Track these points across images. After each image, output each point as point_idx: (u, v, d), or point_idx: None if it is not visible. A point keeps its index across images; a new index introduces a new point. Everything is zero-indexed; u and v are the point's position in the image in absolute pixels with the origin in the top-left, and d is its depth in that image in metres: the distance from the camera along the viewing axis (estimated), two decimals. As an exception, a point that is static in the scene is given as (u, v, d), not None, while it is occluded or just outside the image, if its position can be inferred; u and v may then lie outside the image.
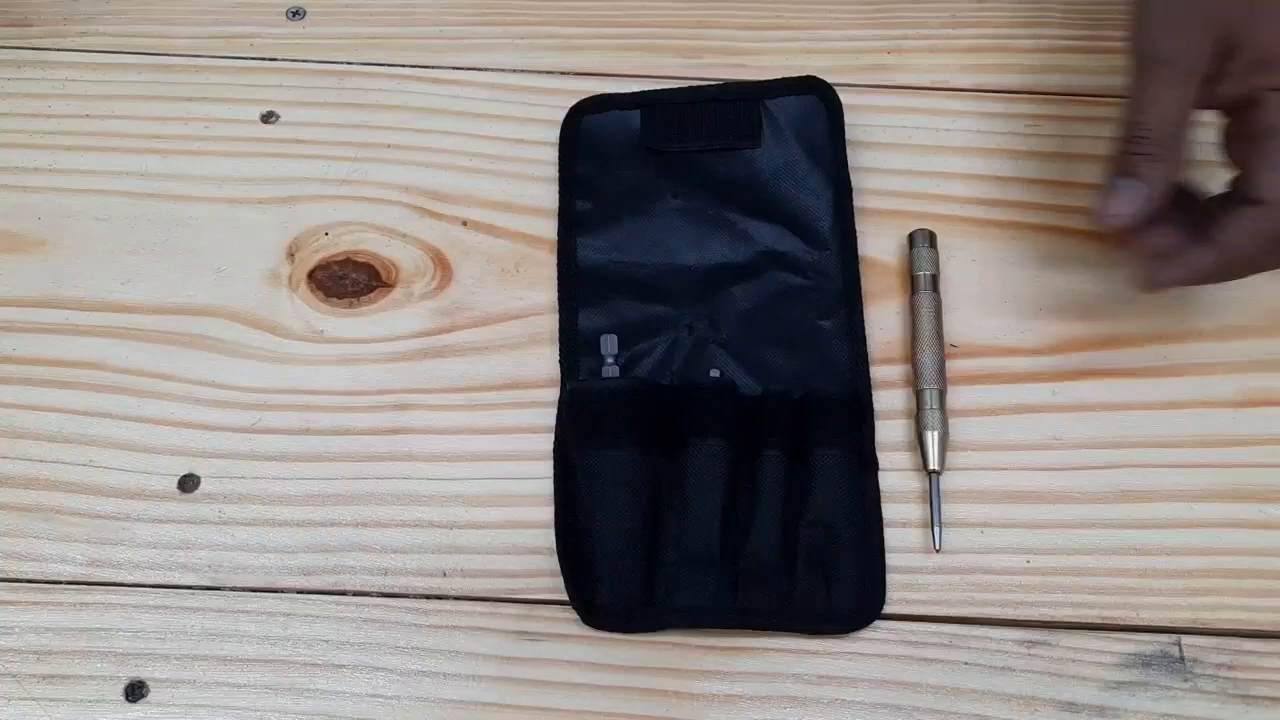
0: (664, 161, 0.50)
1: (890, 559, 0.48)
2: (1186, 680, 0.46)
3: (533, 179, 0.55)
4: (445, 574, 0.48)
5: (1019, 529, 0.49)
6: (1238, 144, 0.45)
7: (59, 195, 0.55)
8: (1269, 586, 0.48)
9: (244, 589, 0.47)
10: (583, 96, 0.56)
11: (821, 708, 0.46)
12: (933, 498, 0.48)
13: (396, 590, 0.47)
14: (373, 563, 0.48)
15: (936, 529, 0.48)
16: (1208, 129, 0.47)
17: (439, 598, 0.47)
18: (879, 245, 0.54)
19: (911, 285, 0.52)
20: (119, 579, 0.47)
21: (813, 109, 0.56)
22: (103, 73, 0.58)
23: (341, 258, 0.54)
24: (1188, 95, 0.44)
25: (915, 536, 0.48)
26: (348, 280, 0.54)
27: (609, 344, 0.50)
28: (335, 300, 0.53)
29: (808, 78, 0.57)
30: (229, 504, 0.49)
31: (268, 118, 0.57)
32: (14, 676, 0.46)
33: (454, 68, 0.58)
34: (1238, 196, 0.44)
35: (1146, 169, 0.44)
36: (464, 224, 0.55)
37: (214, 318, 0.52)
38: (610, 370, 0.50)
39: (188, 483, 0.49)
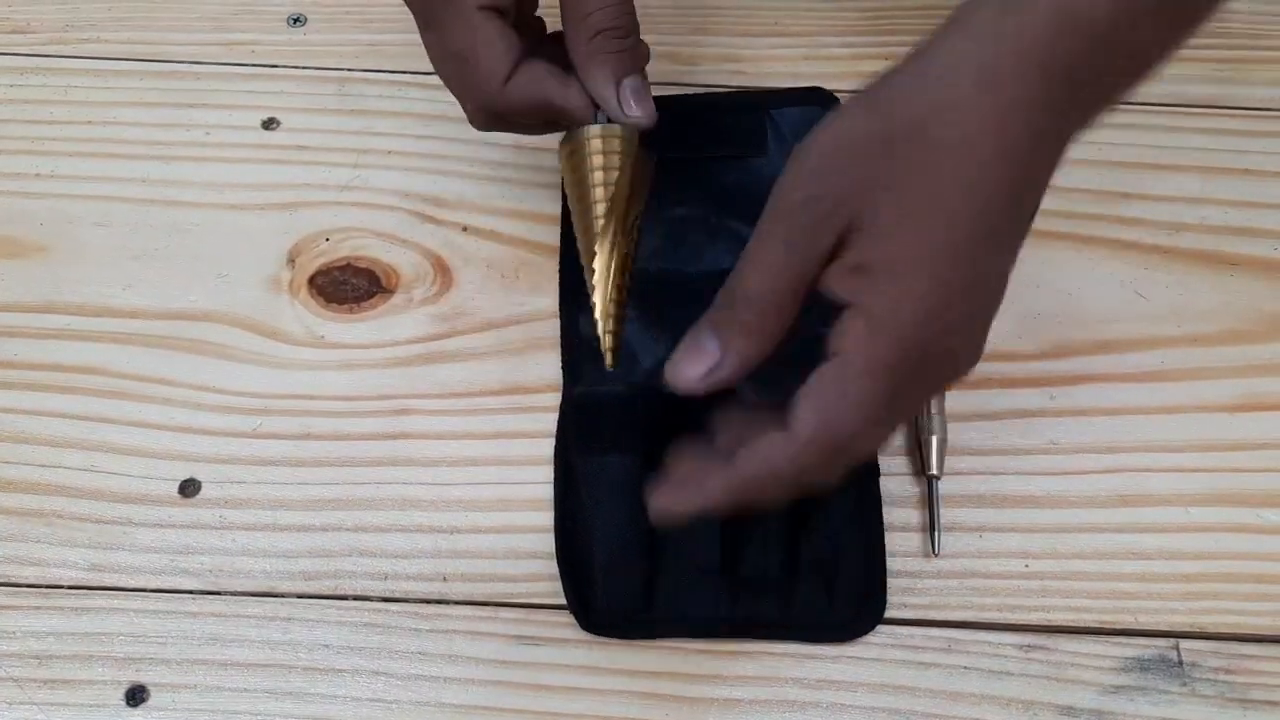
0: (667, 168, 0.50)
1: (889, 563, 0.48)
2: (1184, 684, 0.46)
3: (533, 185, 0.55)
4: (445, 578, 0.48)
5: (1017, 533, 0.49)
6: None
7: (60, 201, 0.55)
8: (1266, 590, 0.48)
9: (244, 593, 0.47)
10: (582, 103, 0.56)
11: (820, 711, 0.46)
12: (931, 502, 0.48)
13: (396, 595, 0.48)
14: (373, 567, 0.48)
15: (935, 533, 0.48)
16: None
17: (439, 602, 0.47)
18: (877, 251, 0.54)
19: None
20: (120, 583, 0.48)
21: (817, 120, 0.56)
22: (104, 79, 0.59)
23: (342, 263, 0.54)
24: (802, 274, 0.38)
25: (914, 541, 0.49)
26: (348, 286, 0.54)
27: None
28: (336, 306, 0.53)
29: (814, 89, 0.57)
30: (230, 509, 0.49)
31: (269, 124, 0.57)
32: (15, 681, 0.46)
33: (454, 74, 0.58)
34: (773, 417, 0.38)
35: (730, 337, 0.38)
36: (464, 229, 0.55)
37: (215, 323, 0.53)
38: None
39: (189, 487, 0.49)
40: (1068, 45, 0.36)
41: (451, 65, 0.44)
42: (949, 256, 0.36)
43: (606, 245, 0.44)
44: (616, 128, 0.44)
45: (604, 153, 0.43)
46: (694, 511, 0.39)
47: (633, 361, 0.51)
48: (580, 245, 0.45)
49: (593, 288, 0.44)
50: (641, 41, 0.46)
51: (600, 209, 0.44)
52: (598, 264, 0.44)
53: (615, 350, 0.45)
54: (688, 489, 0.39)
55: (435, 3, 0.43)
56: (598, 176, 0.43)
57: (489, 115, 0.45)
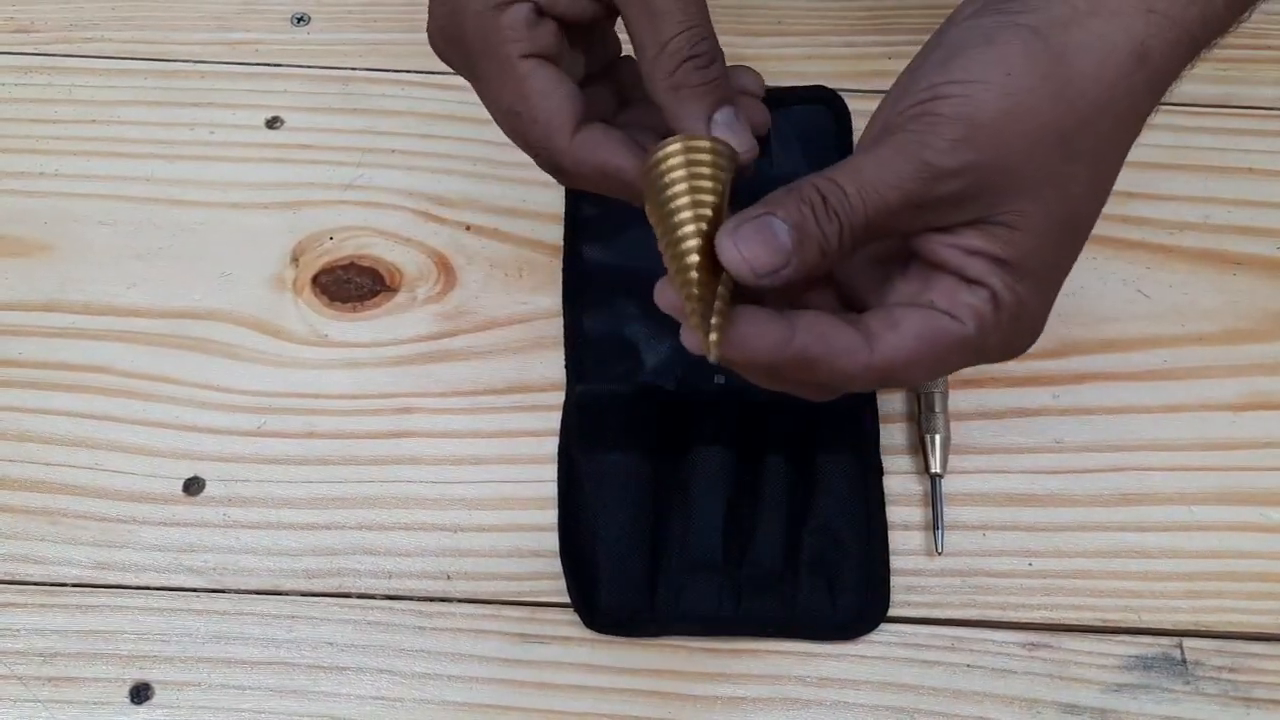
0: None
1: (892, 562, 0.48)
2: (1188, 683, 0.46)
3: (536, 184, 0.55)
4: (449, 577, 0.48)
5: (1020, 532, 0.49)
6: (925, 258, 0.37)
7: (64, 200, 0.56)
8: (1270, 589, 0.48)
9: (248, 591, 0.48)
10: (586, 102, 0.56)
11: (824, 710, 0.46)
12: (935, 501, 0.49)
13: (400, 593, 0.48)
14: (376, 565, 0.48)
15: (938, 532, 0.48)
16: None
17: (442, 600, 0.48)
18: (881, 250, 0.54)
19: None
20: (124, 581, 0.48)
21: (821, 119, 0.56)
22: (108, 78, 0.59)
23: (345, 262, 0.54)
24: (908, 228, 0.36)
25: (917, 539, 0.49)
26: (352, 284, 0.54)
27: None
28: (339, 304, 0.53)
29: (816, 87, 0.57)
30: (234, 507, 0.49)
31: (272, 123, 0.58)
32: (19, 679, 0.46)
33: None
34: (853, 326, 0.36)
35: (808, 240, 0.34)
36: (467, 228, 0.55)
37: (219, 322, 0.53)
38: None
39: (193, 486, 0.49)
40: (1202, 10, 0.35)
41: (509, 123, 0.39)
42: (1074, 256, 0.37)
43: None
44: (704, 141, 0.37)
45: (689, 165, 0.36)
46: (733, 357, 0.35)
47: (636, 360, 0.51)
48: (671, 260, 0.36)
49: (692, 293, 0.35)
50: (750, 70, 0.42)
51: (689, 220, 0.35)
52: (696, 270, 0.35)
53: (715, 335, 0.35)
54: (742, 339, 0.35)
55: (477, 57, 0.39)
56: (681, 188, 0.36)
57: (559, 175, 0.41)
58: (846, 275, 0.39)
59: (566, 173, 0.40)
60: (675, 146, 0.36)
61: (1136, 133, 0.37)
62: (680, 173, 0.36)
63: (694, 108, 0.37)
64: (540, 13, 0.38)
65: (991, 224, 0.35)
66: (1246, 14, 0.38)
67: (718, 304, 0.35)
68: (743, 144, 0.38)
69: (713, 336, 0.34)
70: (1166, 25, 0.35)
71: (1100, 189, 0.37)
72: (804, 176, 0.36)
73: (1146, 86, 0.36)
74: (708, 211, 0.36)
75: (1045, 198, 0.35)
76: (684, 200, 0.36)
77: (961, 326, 0.36)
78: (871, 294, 0.38)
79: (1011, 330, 0.37)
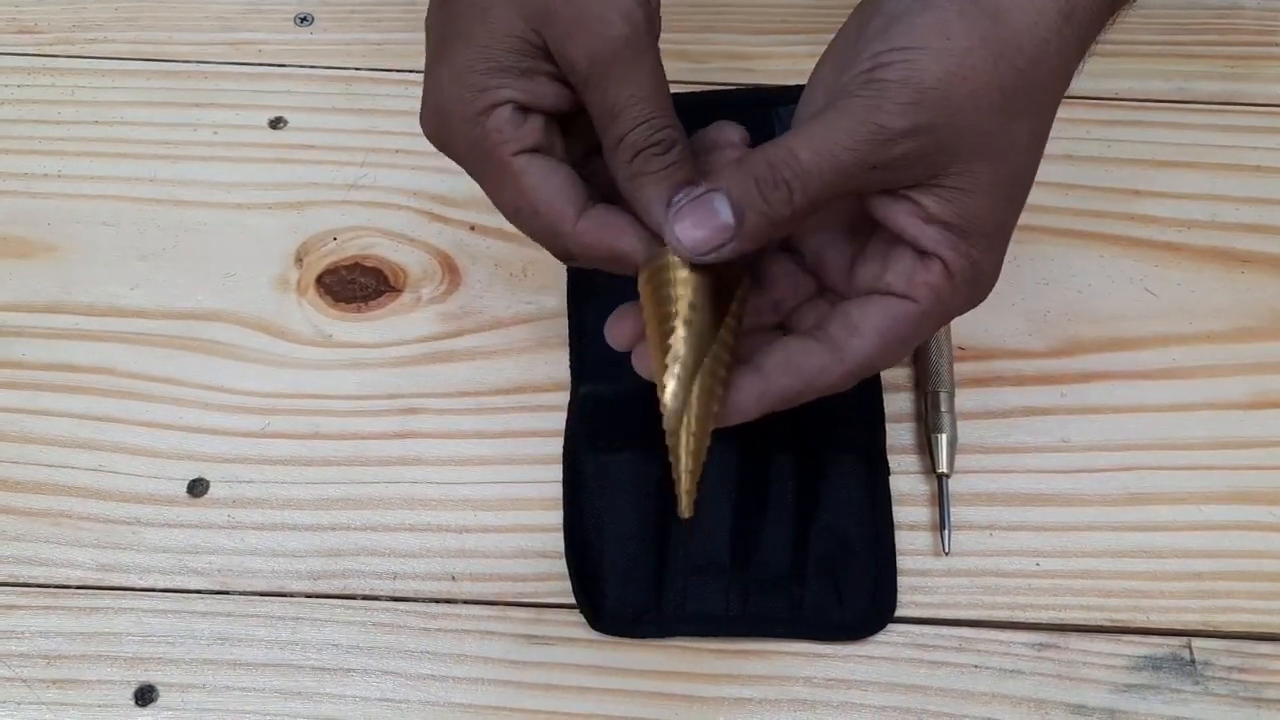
0: None
1: (900, 562, 0.48)
2: (1197, 683, 0.46)
3: (540, 183, 0.55)
4: (454, 578, 0.48)
5: (1028, 531, 0.49)
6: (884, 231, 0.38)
7: (68, 201, 0.55)
8: (1280, 589, 0.48)
9: (253, 593, 0.47)
10: (590, 101, 0.56)
11: (831, 711, 0.45)
12: (942, 500, 0.48)
13: (405, 594, 0.47)
14: (381, 567, 0.48)
15: (946, 532, 0.48)
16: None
17: (448, 601, 0.47)
18: (886, 248, 0.54)
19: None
20: (128, 583, 0.47)
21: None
22: (111, 79, 0.59)
23: (349, 262, 0.54)
24: (859, 189, 0.37)
25: (924, 539, 0.48)
26: (356, 285, 0.54)
27: None
28: (343, 305, 0.53)
29: None
30: (238, 508, 0.49)
31: (276, 123, 0.57)
32: (23, 681, 0.46)
33: (461, 73, 0.58)
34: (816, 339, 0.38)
35: (751, 211, 0.36)
36: (471, 228, 0.55)
37: (222, 322, 0.53)
38: None
39: (197, 487, 0.49)
40: None
41: (513, 218, 0.40)
42: (1019, 211, 0.39)
43: (684, 386, 0.37)
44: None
45: (677, 281, 0.37)
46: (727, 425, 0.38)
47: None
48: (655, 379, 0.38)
49: (671, 435, 0.37)
50: (729, 123, 0.43)
51: (679, 343, 0.37)
52: (670, 408, 0.37)
53: (693, 496, 0.38)
54: (726, 416, 0.38)
55: (470, 162, 0.40)
56: (673, 307, 0.37)
57: (572, 260, 0.41)
58: (813, 251, 0.41)
59: (577, 258, 0.40)
60: (642, 276, 0.38)
61: (1066, 87, 0.38)
62: (649, 303, 0.38)
63: (652, 193, 0.38)
64: (524, 109, 0.39)
65: (943, 187, 0.37)
66: None
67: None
68: (699, 231, 0.37)
69: (685, 502, 0.38)
70: None
71: (1038, 144, 0.38)
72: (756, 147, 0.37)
73: (1075, 42, 0.37)
74: (671, 344, 0.37)
75: (991, 156, 0.37)
76: (654, 339, 0.37)
77: (917, 306, 0.38)
78: (838, 274, 0.41)
79: (969, 291, 0.39)
